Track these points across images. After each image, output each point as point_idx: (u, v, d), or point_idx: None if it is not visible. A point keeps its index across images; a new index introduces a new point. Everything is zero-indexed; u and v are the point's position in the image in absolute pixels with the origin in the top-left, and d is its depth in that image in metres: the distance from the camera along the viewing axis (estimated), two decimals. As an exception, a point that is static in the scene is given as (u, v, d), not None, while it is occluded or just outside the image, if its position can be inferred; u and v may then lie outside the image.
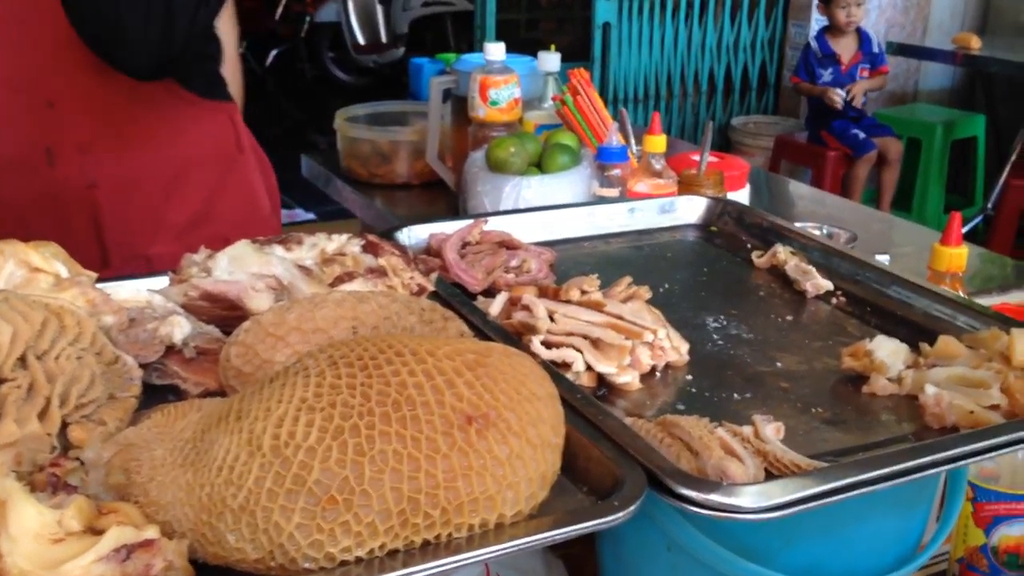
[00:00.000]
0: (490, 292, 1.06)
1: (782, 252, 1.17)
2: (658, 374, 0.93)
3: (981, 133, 4.52)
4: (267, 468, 0.60)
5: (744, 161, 1.93)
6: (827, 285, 1.11)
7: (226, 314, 0.88)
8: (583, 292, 0.96)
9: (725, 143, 4.84)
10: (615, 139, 1.66)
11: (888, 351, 0.90)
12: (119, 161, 1.33)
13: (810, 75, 4.18)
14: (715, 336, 1.01)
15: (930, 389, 0.83)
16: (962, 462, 0.75)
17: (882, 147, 4.12)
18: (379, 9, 7.52)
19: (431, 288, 0.98)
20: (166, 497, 0.62)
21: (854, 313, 1.07)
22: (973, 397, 0.82)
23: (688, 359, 0.94)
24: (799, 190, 2.35)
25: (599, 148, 1.68)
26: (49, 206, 1.32)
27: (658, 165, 1.56)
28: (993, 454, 0.75)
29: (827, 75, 4.15)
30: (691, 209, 1.34)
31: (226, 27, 1.50)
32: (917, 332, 0.99)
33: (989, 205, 4.23)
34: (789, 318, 1.06)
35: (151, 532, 0.58)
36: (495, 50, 1.83)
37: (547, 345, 0.90)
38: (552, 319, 0.93)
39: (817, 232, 1.53)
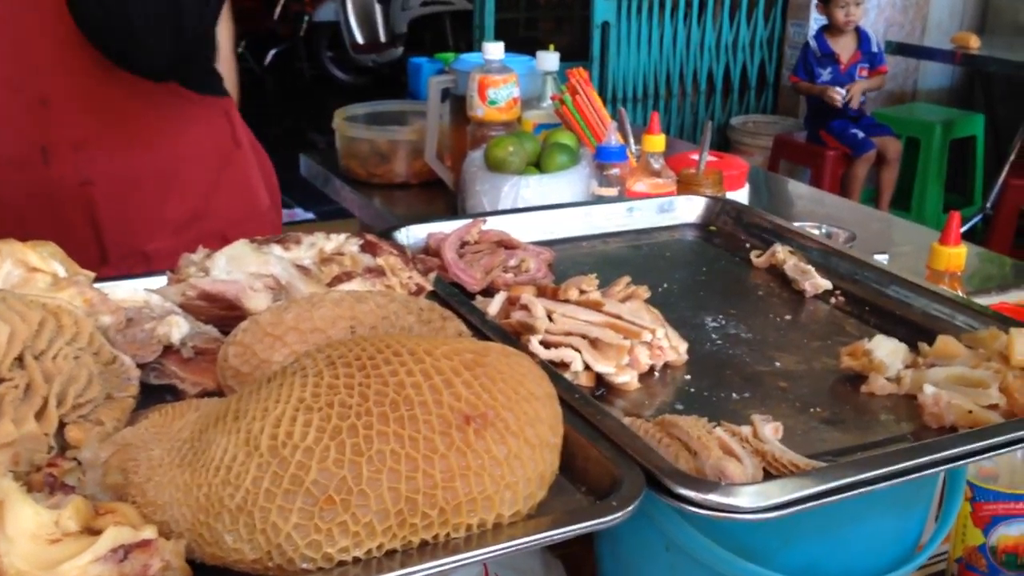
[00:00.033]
0: (488, 292, 1.06)
1: (781, 252, 1.17)
2: (656, 374, 0.92)
3: (980, 132, 4.52)
4: (265, 468, 0.60)
5: (743, 160, 1.93)
6: (826, 285, 1.11)
7: (224, 314, 0.88)
8: (582, 292, 0.96)
9: (724, 142, 4.84)
10: (614, 138, 1.66)
11: (887, 351, 0.90)
12: (115, 158, 1.33)
13: (809, 74, 4.18)
14: (714, 336, 1.01)
15: (929, 389, 0.83)
16: (961, 462, 0.75)
17: (881, 146, 4.12)
18: (378, 8, 7.52)
19: (429, 288, 0.98)
20: (163, 497, 0.62)
21: (853, 313, 1.07)
22: (972, 397, 0.82)
23: (687, 359, 0.94)
24: (798, 189, 2.35)
25: (598, 148, 1.68)
26: (46, 204, 1.32)
27: (657, 164, 1.56)
28: (992, 454, 0.75)
29: (826, 74, 4.15)
30: (690, 209, 1.34)
31: (222, 23, 1.50)
32: (916, 332, 0.99)
33: (988, 204, 4.23)
34: (788, 318, 1.06)
35: (148, 532, 0.58)
36: (494, 49, 1.83)
37: (545, 345, 0.90)
38: (550, 319, 0.93)
39: (816, 231, 1.53)
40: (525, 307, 0.94)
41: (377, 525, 0.59)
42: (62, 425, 0.71)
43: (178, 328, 0.84)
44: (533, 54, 2.05)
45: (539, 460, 0.65)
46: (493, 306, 0.99)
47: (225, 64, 1.52)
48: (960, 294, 1.15)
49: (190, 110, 1.40)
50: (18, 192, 1.31)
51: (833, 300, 1.10)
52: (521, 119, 1.91)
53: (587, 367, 0.89)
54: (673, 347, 0.93)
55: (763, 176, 2.49)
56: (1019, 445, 0.77)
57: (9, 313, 0.72)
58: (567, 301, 0.95)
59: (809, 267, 1.12)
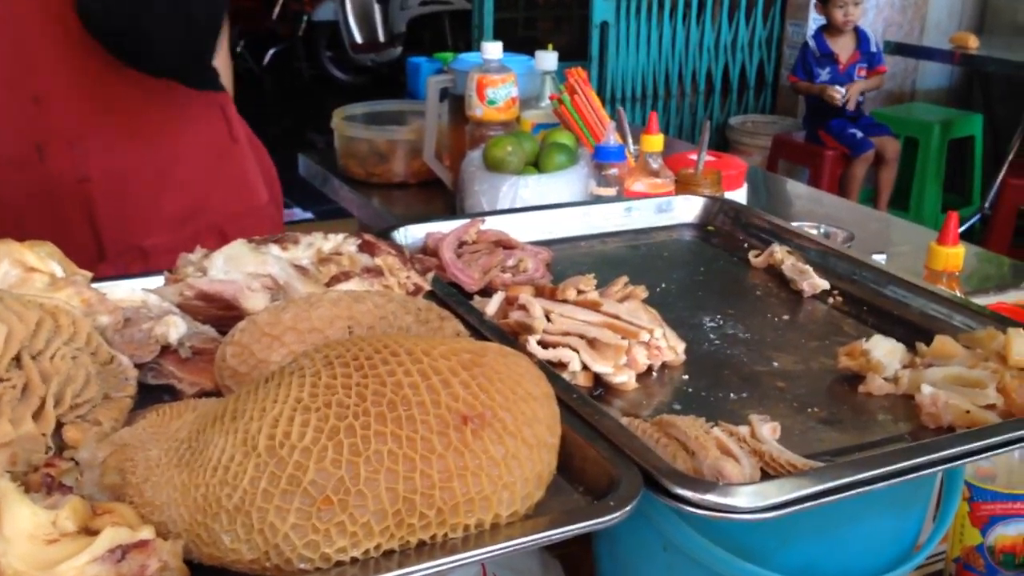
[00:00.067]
0: (486, 291, 1.06)
1: (779, 251, 1.17)
2: (654, 374, 0.92)
3: (978, 132, 4.52)
4: (262, 468, 0.59)
5: (741, 160, 1.93)
6: (824, 285, 1.11)
7: (222, 314, 0.88)
8: (579, 292, 0.96)
9: (723, 142, 4.84)
10: (612, 138, 1.66)
11: (884, 351, 0.90)
12: (111, 154, 1.33)
13: (808, 74, 4.18)
14: (712, 336, 1.01)
15: (926, 389, 0.83)
16: (958, 462, 0.75)
17: (879, 146, 4.12)
18: (377, 8, 7.52)
19: (427, 287, 0.98)
20: (161, 497, 0.62)
21: (851, 313, 1.07)
22: (969, 397, 0.82)
23: (684, 359, 0.94)
24: (796, 189, 2.35)
25: (596, 147, 1.68)
26: (45, 202, 1.32)
27: (655, 164, 1.56)
28: (989, 454, 0.75)
29: (825, 74, 4.15)
30: (688, 208, 1.34)
31: None
32: (914, 332, 0.99)
33: (986, 204, 4.23)
34: (786, 318, 1.06)
35: (146, 533, 0.58)
36: (492, 49, 1.83)
37: (543, 345, 0.90)
38: (548, 319, 0.93)
39: (814, 231, 1.53)
40: (523, 307, 0.94)
41: (375, 525, 0.59)
42: (60, 425, 0.71)
43: (176, 328, 0.84)
44: (532, 54, 2.05)
45: (537, 460, 0.65)
46: (491, 306, 0.99)
47: (220, 60, 1.52)
48: (958, 294, 1.15)
49: (186, 105, 1.40)
50: (18, 192, 1.31)
51: (831, 300, 1.10)
52: (520, 119, 1.91)
53: (585, 367, 0.89)
54: (671, 347, 0.93)
55: (761, 176, 2.50)
56: (1017, 445, 0.77)
57: (6, 313, 0.72)
58: (565, 301, 0.95)
59: (807, 267, 1.12)
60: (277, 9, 7.87)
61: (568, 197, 1.62)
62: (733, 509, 0.66)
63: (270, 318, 0.79)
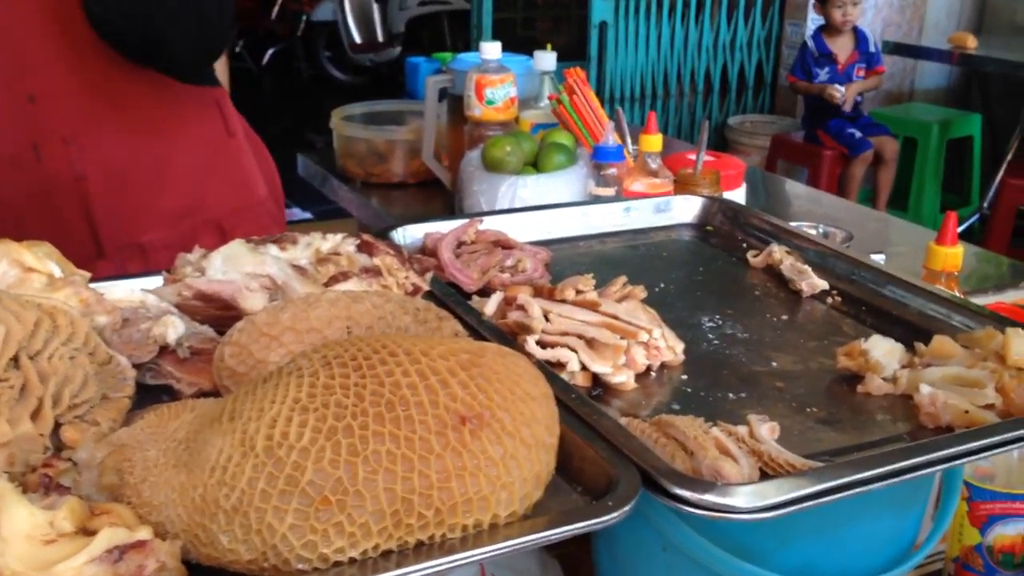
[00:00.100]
0: (485, 292, 1.06)
1: (778, 251, 1.17)
2: (653, 374, 0.92)
3: (977, 132, 4.52)
4: (260, 469, 0.59)
5: (740, 160, 1.93)
6: (822, 285, 1.11)
7: (220, 314, 0.88)
8: (578, 292, 0.96)
9: (721, 142, 4.84)
10: (611, 138, 1.66)
11: (883, 351, 0.90)
12: (106, 152, 1.33)
13: (807, 74, 4.18)
14: (710, 336, 1.01)
15: (925, 389, 0.83)
16: (957, 462, 0.75)
17: (878, 146, 4.12)
18: (375, 8, 7.52)
19: (426, 288, 0.97)
20: (159, 498, 0.62)
21: (849, 313, 1.07)
22: (968, 397, 0.82)
23: (683, 359, 0.94)
24: (795, 189, 2.36)
25: (595, 147, 1.68)
26: (42, 201, 1.32)
27: (654, 164, 1.56)
28: (988, 454, 0.75)
29: (823, 74, 4.15)
30: (687, 208, 1.34)
31: None
32: (912, 332, 0.99)
33: (985, 204, 4.23)
34: (784, 318, 1.06)
35: (144, 533, 0.58)
36: (491, 49, 1.82)
37: (542, 345, 0.90)
38: (547, 319, 0.93)
39: (813, 231, 1.53)
40: (521, 307, 0.94)
41: (373, 526, 0.59)
42: (58, 425, 0.71)
43: (174, 328, 0.84)
44: (530, 54, 2.05)
45: (535, 460, 0.65)
46: (489, 306, 0.99)
47: None
48: (956, 294, 1.15)
49: (181, 101, 1.40)
50: (17, 192, 1.31)
51: (830, 300, 1.10)
52: (518, 119, 1.91)
53: (583, 367, 0.89)
54: (670, 347, 0.93)
55: (760, 176, 2.50)
56: (1015, 445, 0.77)
57: (4, 313, 0.72)
58: (564, 301, 0.95)
59: (806, 267, 1.12)
60: (276, 9, 7.87)
61: (567, 197, 1.61)
62: (732, 509, 0.66)
63: (268, 318, 0.79)
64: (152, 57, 1.31)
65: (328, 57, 7.87)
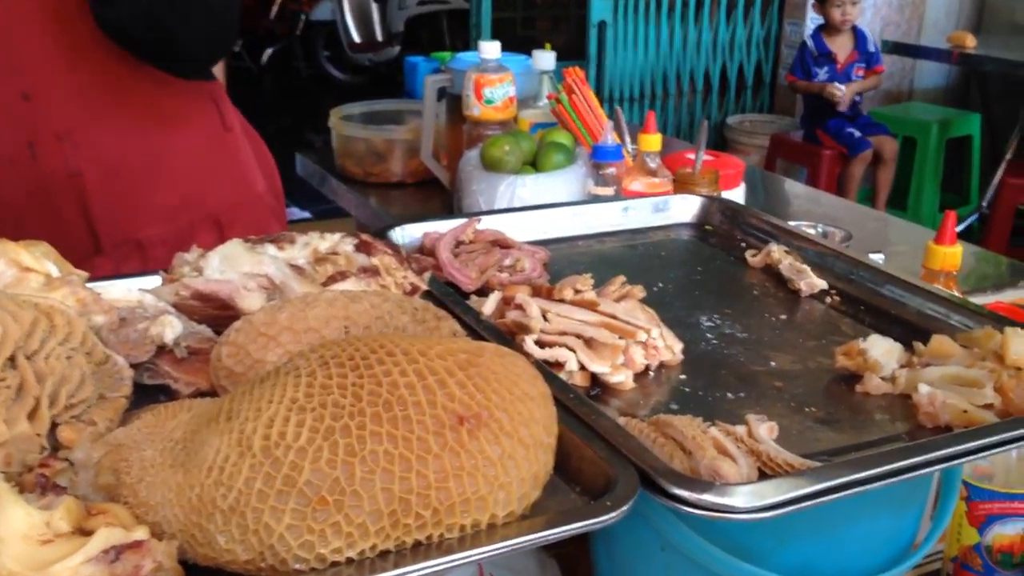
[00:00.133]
0: (483, 291, 1.06)
1: (776, 251, 1.17)
2: (652, 373, 0.92)
3: (976, 132, 4.52)
4: (257, 469, 0.59)
5: (739, 160, 1.93)
6: (821, 284, 1.11)
7: (218, 314, 0.88)
8: (577, 291, 0.96)
9: (720, 142, 4.84)
10: (610, 138, 1.65)
11: (882, 350, 0.90)
12: (102, 148, 1.33)
13: (806, 74, 4.18)
14: (709, 335, 1.01)
15: (924, 388, 0.83)
16: (956, 461, 0.75)
17: (877, 146, 4.12)
18: (374, 7, 7.52)
19: (424, 287, 0.97)
20: (156, 498, 0.62)
21: (848, 312, 1.07)
22: (967, 396, 0.82)
23: (682, 358, 0.94)
24: (794, 189, 2.35)
25: (594, 147, 1.68)
26: (39, 199, 1.31)
27: (653, 164, 1.56)
28: (986, 453, 0.75)
29: (823, 74, 4.15)
30: (685, 208, 1.34)
31: None
32: (911, 331, 0.99)
33: (984, 203, 4.23)
34: (783, 317, 1.06)
35: (140, 533, 0.58)
36: (490, 48, 1.82)
37: (540, 344, 0.90)
38: (545, 318, 0.92)
39: (812, 231, 1.53)
40: (520, 307, 0.94)
41: (370, 526, 0.59)
42: (54, 425, 0.71)
43: (171, 328, 0.84)
44: (529, 53, 2.05)
45: (533, 460, 0.65)
46: (488, 306, 0.99)
47: None
48: (955, 293, 1.15)
49: (176, 96, 1.39)
50: (15, 191, 1.31)
51: (828, 300, 1.10)
52: (517, 118, 1.91)
53: (582, 367, 0.89)
54: (668, 347, 0.93)
55: (759, 175, 2.50)
56: (1014, 445, 0.77)
57: (1, 313, 0.72)
58: (562, 301, 0.95)
59: (805, 267, 1.12)
60: (275, 9, 7.87)
61: (565, 196, 1.61)
62: (730, 509, 0.66)
63: (266, 318, 0.79)
64: (161, 55, 1.31)
65: (327, 56, 7.87)
